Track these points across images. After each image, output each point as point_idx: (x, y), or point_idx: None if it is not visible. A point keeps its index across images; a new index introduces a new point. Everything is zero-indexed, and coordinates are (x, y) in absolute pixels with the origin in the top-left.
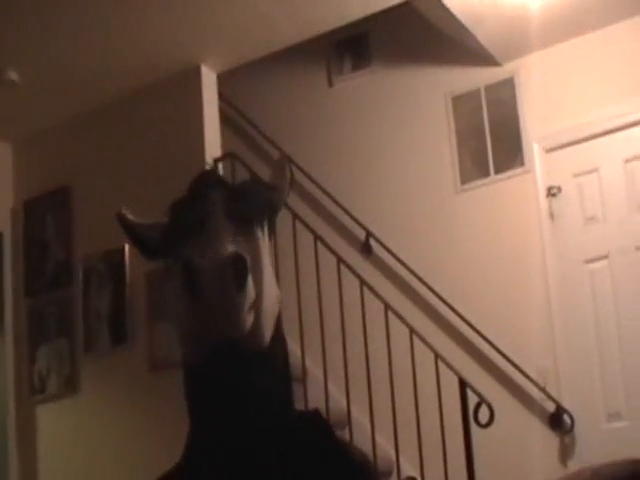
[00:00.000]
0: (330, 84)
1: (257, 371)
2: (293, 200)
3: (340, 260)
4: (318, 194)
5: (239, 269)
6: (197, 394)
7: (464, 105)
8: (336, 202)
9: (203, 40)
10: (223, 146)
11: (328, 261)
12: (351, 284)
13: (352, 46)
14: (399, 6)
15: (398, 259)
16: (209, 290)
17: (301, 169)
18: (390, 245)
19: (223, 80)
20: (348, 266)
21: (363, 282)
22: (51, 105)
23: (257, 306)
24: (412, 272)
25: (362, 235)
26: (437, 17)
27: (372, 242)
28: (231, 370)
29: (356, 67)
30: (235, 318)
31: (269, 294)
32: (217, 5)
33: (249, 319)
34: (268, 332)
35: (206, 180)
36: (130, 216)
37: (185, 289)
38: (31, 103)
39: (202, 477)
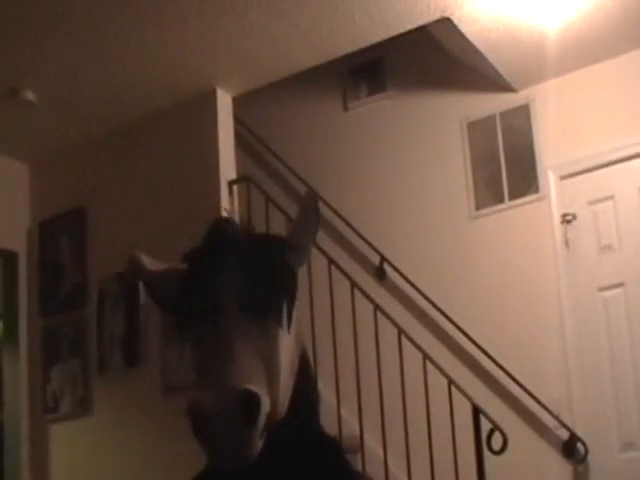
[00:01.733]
0: (345, 109)
1: (276, 441)
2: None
3: (354, 284)
4: (333, 218)
5: (249, 409)
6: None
7: (479, 131)
8: (350, 226)
9: (218, 63)
10: (238, 169)
11: (342, 285)
12: (365, 309)
13: (368, 71)
14: (415, 32)
15: (412, 284)
16: (216, 431)
17: (316, 193)
18: (404, 270)
19: (239, 104)
20: (362, 291)
21: (377, 307)
22: (67, 126)
23: (272, 411)
24: (426, 297)
25: (376, 260)
26: (453, 43)
27: (386, 267)
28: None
29: (372, 92)
30: (243, 452)
31: (286, 376)
32: (232, 29)
33: (261, 441)
34: (285, 405)
35: (222, 242)
36: (144, 261)
37: (192, 429)
38: (48, 124)
39: None
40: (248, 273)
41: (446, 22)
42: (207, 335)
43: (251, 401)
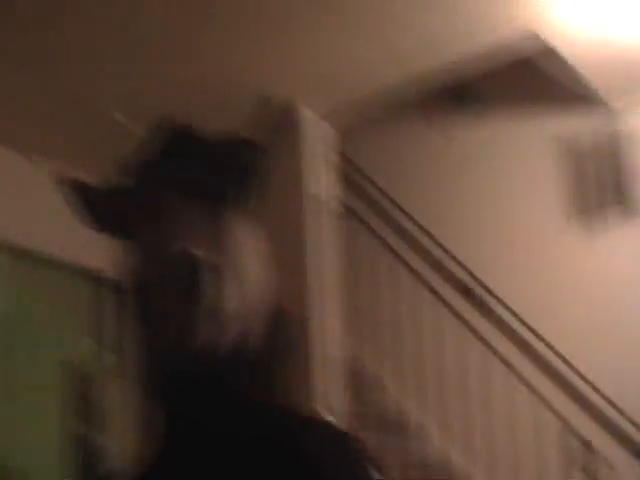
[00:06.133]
0: (436, 132)
1: (233, 369)
2: (399, 245)
3: (443, 304)
4: (422, 238)
5: (189, 273)
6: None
7: (571, 149)
8: (440, 246)
9: (304, 83)
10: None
11: (431, 305)
12: (453, 328)
13: (459, 94)
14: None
15: (502, 303)
16: (153, 307)
17: (406, 213)
18: (493, 288)
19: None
20: (451, 310)
21: (466, 325)
22: None
23: (240, 311)
24: (516, 316)
25: (466, 279)
26: (544, 60)
27: (475, 286)
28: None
29: (463, 113)
30: (194, 342)
31: (254, 288)
32: (317, 49)
33: (226, 335)
34: (255, 336)
35: (168, 139)
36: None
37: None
38: None
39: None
40: (199, 162)
41: (536, 39)
42: (147, 227)
43: (189, 262)
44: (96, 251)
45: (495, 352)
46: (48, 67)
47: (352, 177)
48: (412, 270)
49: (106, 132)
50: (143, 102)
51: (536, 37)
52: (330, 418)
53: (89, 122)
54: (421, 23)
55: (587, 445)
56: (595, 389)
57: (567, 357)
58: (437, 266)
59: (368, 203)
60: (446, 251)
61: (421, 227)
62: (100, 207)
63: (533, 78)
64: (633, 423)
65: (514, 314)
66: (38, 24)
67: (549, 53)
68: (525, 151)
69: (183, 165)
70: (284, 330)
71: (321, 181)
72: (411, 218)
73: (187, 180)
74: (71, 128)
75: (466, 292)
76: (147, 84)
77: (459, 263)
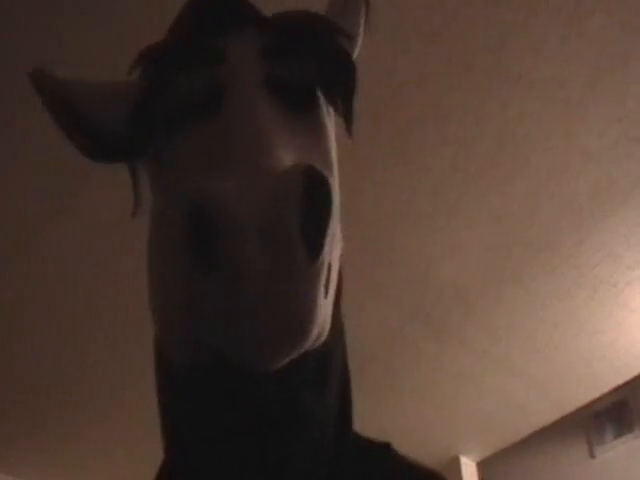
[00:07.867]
0: (592, 455)
1: (303, 381)
2: None
3: None
4: None
5: (315, 207)
6: (187, 409)
7: None
8: None
9: (459, 432)
10: None
11: None
12: None
13: (612, 412)
14: None
15: None
16: (247, 258)
17: None
18: None
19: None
20: None
21: None
22: None
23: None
24: None
25: None
26: None
27: None
28: (257, 382)
29: (618, 435)
30: (302, 316)
31: (337, 245)
32: (472, 395)
33: (323, 313)
34: (329, 315)
35: (221, 9)
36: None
37: (193, 250)
38: None
39: None
40: (274, 47)
41: None
42: (204, 129)
43: (318, 188)
44: None
45: None
46: None
47: None
48: None
49: None
50: None
51: None
52: None
53: None
54: (569, 359)
55: None
56: None
57: None
58: None
59: None
60: None
61: None
62: (93, 123)
63: None
64: None
65: None
66: None
67: None
68: None
69: (257, 49)
70: (340, 316)
71: None
72: None
73: (266, 69)
74: None
75: None
76: None
77: None
